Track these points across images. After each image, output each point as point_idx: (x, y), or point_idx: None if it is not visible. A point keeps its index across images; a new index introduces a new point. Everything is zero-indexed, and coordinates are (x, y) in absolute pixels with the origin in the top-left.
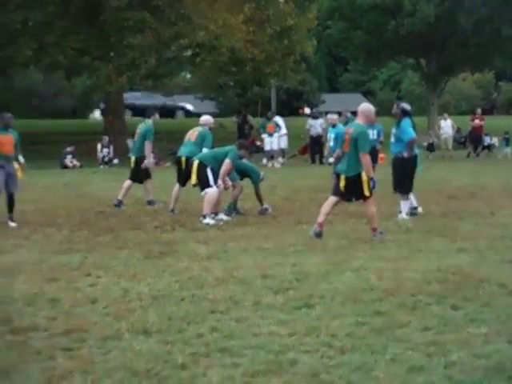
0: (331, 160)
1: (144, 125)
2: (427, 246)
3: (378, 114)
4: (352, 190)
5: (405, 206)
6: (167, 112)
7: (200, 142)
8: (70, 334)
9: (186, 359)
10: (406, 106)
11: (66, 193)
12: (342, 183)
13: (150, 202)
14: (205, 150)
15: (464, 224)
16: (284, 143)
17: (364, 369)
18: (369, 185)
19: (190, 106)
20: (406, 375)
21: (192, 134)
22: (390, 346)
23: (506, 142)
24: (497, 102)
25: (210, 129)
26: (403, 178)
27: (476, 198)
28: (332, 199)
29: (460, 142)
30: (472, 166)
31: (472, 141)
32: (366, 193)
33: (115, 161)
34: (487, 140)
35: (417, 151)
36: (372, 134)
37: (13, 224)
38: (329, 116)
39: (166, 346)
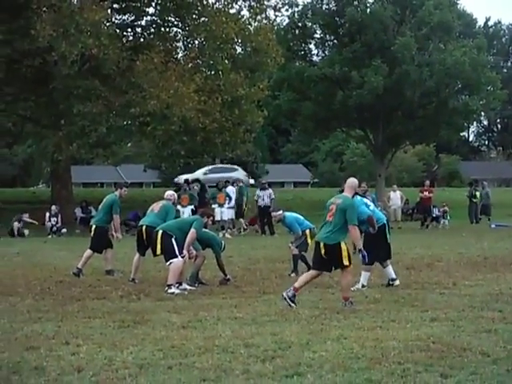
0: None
1: (109, 196)
2: (399, 315)
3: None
4: (331, 258)
5: (364, 278)
6: None
7: (163, 214)
8: None
9: None
10: None
11: (20, 262)
12: (323, 251)
13: (108, 272)
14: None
15: (429, 294)
16: (232, 214)
17: None
18: (348, 254)
19: None
20: None
21: (156, 206)
22: None
23: (444, 213)
24: (437, 175)
25: (173, 203)
26: (370, 248)
27: (434, 268)
28: (313, 273)
29: (408, 213)
30: (422, 237)
31: (421, 212)
32: (345, 262)
33: (63, 230)
34: (435, 211)
35: (383, 219)
36: None
37: None
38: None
39: None
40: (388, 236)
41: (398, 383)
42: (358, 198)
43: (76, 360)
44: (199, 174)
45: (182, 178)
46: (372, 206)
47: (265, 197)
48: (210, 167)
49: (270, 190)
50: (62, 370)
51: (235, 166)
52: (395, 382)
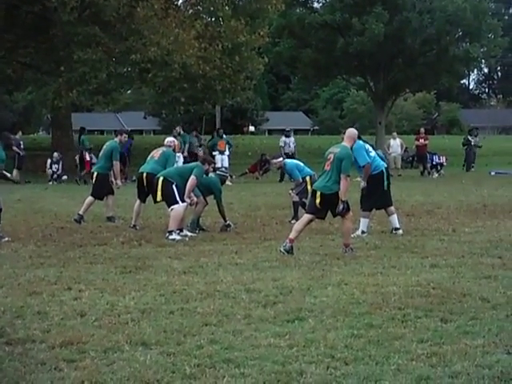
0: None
1: (109, 143)
2: (399, 261)
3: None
4: (328, 207)
5: (363, 224)
6: None
7: (163, 161)
8: (68, 345)
9: (193, 370)
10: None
11: (21, 208)
12: (318, 200)
13: (109, 218)
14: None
15: (429, 241)
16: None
17: (372, 379)
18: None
19: None
20: None
21: (156, 153)
22: (392, 357)
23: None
24: (437, 122)
25: (173, 150)
26: (367, 195)
27: (434, 215)
28: (307, 217)
29: (407, 161)
30: (422, 184)
31: (418, 160)
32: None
33: (64, 177)
34: (435, 159)
35: (382, 167)
36: None
37: None
38: None
39: (169, 357)
40: (385, 183)
41: (398, 328)
42: (361, 142)
43: (78, 305)
44: None
45: None
46: (373, 154)
47: (290, 143)
48: None
49: (293, 138)
50: (65, 315)
51: None
52: (396, 327)
